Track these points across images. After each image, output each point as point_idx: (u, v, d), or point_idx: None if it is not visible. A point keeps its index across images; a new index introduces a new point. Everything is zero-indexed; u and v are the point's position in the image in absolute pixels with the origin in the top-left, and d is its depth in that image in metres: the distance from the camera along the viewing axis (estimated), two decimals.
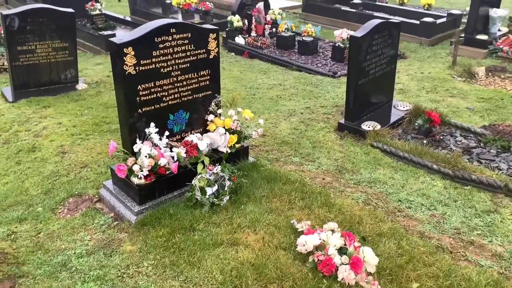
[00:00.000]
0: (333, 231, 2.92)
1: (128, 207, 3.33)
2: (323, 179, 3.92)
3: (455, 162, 3.94)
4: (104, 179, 3.79)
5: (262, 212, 3.26)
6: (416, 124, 4.68)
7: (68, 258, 2.96)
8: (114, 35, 7.88)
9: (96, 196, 3.66)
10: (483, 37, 7.46)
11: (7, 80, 6.44)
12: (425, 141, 4.48)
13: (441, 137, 4.59)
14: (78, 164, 4.15)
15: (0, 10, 8.17)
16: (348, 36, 4.63)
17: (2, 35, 6.51)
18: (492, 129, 4.72)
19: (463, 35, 7.49)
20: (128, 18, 10.00)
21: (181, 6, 9.56)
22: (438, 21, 8.52)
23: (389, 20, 4.96)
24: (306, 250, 2.81)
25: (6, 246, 3.07)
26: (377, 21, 4.62)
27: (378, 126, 4.66)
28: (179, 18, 9.66)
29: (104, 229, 3.26)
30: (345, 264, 2.65)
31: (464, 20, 8.37)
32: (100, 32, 8.35)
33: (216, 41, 3.64)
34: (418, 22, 8.41)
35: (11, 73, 5.76)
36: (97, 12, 9.04)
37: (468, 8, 7.80)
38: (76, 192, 3.72)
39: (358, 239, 2.87)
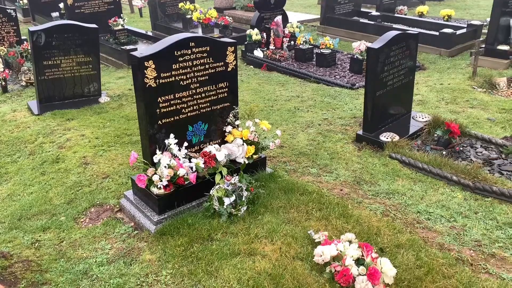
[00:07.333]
0: (350, 242, 2.92)
1: (147, 217, 3.39)
2: (341, 190, 3.91)
3: (475, 174, 3.90)
4: (125, 190, 3.87)
5: (279, 223, 3.28)
6: (435, 135, 4.64)
7: (89, 266, 3.03)
8: (136, 50, 8.07)
9: (117, 206, 3.74)
10: (504, 47, 7.37)
11: (33, 93, 6.66)
12: (444, 153, 4.43)
13: (461, 149, 4.54)
14: (100, 174, 4.25)
15: (27, 26, 8.48)
16: (366, 47, 4.66)
17: (29, 50, 6.75)
18: None
19: (483, 45, 7.41)
20: (150, 33, 10.23)
21: (201, 21, 9.75)
22: (458, 32, 8.46)
23: (407, 32, 4.96)
24: (323, 260, 2.81)
25: (30, 254, 3.16)
26: (394, 32, 4.63)
27: (397, 137, 4.64)
28: (199, 32, 9.85)
29: (124, 238, 3.33)
30: (362, 275, 2.64)
31: (485, 30, 8.29)
32: (122, 47, 8.57)
33: (234, 54, 3.71)
34: (437, 33, 8.36)
35: (37, 87, 5.96)
36: (120, 27, 9.30)
37: (488, 19, 7.73)
38: (98, 202, 3.81)
39: (375, 250, 2.86)
